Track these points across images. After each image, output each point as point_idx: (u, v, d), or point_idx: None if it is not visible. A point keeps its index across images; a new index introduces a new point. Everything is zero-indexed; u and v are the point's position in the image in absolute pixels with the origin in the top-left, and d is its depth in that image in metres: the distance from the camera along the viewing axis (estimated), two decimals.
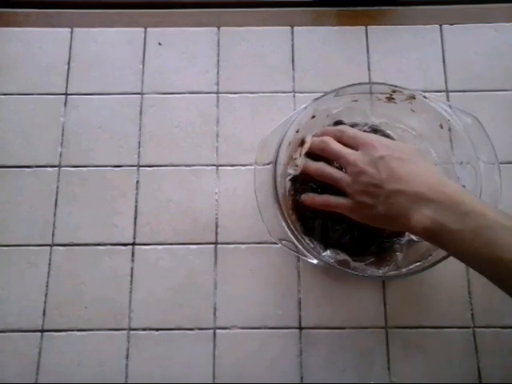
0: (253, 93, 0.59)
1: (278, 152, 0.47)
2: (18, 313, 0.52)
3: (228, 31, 0.62)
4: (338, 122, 0.53)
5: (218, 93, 0.59)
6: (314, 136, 0.48)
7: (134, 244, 0.54)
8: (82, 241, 0.54)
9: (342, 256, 0.48)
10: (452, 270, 0.52)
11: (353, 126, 0.54)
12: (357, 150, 0.43)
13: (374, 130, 0.54)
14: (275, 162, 0.47)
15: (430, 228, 0.37)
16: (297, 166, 0.51)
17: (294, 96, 0.59)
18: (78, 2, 0.64)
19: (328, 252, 0.49)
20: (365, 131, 0.53)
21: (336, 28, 0.62)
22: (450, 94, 0.59)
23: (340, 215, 0.47)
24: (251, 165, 0.56)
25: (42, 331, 0.51)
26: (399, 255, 0.49)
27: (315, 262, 0.46)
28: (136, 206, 0.55)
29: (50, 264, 0.53)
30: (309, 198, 0.47)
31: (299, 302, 0.52)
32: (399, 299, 0.52)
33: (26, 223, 0.54)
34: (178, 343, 0.51)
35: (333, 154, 0.45)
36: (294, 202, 0.52)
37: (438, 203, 0.37)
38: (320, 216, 0.50)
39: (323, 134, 0.47)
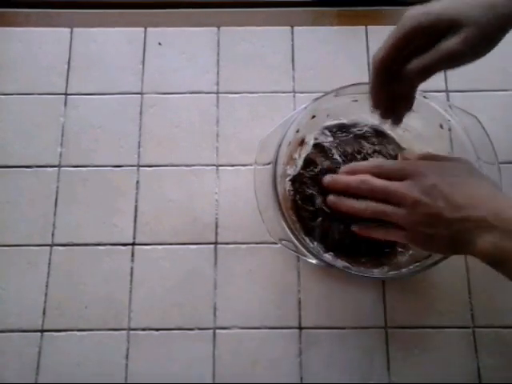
0: (253, 93, 0.59)
1: (277, 152, 0.48)
2: (18, 313, 0.52)
3: (228, 31, 0.62)
4: (341, 125, 0.53)
5: (218, 93, 0.59)
6: (340, 173, 0.46)
7: (134, 244, 0.54)
8: (82, 241, 0.54)
9: (342, 263, 0.48)
10: (452, 269, 0.52)
11: (353, 125, 0.54)
12: (402, 180, 0.41)
13: (375, 131, 0.54)
14: (275, 162, 0.47)
15: (494, 255, 0.36)
16: (296, 166, 0.51)
17: (294, 96, 0.59)
18: (78, 2, 0.64)
19: (328, 255, 0.49)
20: (366, 132, 0.53)
21: (336, 28, 0.62)
22: (450, 93, 0.59)
23: (340, 216, 0.47)
24: (251, 165, 0.55)
25: (42, 331, 0.51)
26: (400, 257, 0.49)
27: (315, 261, 0.46)
28: (136, 206, 0.55)
29: (49, 264, 0.53)
30: (376, 233, 0.45)
31: (299, 302, 0.52)
32: (399, 299, 0.52)
33: (25, 223, 0.54)
34: (177, 343, 0.51)
35: (382, 191, 0.41)
36: (293, 202, 0.52)
37: (502, 230, 0.36)
38: (319, 217, 0.50)
39: (354, 171, 0.44)
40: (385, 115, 0.45)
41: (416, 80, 0.40)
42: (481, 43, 0.36)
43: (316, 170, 0.51)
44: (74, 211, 0.55)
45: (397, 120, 0.45)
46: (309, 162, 0.52)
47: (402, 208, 0.40)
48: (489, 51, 0.38)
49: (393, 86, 0.41)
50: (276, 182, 0.47)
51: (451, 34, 0.36)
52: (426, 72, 0.39)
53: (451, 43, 0.36)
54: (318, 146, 0.53)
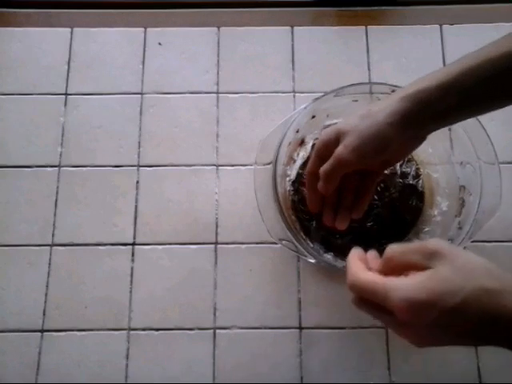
0: (253, 93, 0.59)
1: (277, 152, 0.48)
2: (18, 313, 0.52)
3: (228, 31, 0.62)
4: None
5: (218, 93, 0.59)
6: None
7: (134, 244, 0.54)
8: (82, 241, 0.54)
9: (342, 263, 0.48)
10: None
11: None
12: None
13: None
14: (275, 162, 0.47)
15: None
16: (296, 166, 0.51)
17: (294, 96, 0.59)
18: (78, 2, 0.64)
19: (328, 255, 0.49)
20: None
21: (336, 28, 0.62)
22: None
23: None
24: (251, 165, 0.55)
25: (42, 331, 0.51)
26: None
27: (315, 261, 0.46)
28: (136, 206, 0.55)
29: (49, 264, 0.53)
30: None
31: (299, 302, 0.52)
32: None
33: (25, 223, 0.54)
34: (178, 343, 0.51)
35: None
36: (293, 202, 0.52)
37: None
38: (316, 219, 0.50)
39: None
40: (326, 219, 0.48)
41: (328, 182, 0.43)
42: (360, 147, 0.40)
43: None
44: (74, 211, 0.55)
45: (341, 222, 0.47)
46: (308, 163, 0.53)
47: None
48: (379, 153, 0.41)
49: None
50: (276, 182, 0.47)
51: (340, 142, 0.41)
52: (330, 175, 0.42)
53: (337, 149, 0.41)
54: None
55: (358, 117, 0.41)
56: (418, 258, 0.30)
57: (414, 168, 0.53)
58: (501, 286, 0.27)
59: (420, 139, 0.42)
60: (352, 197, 0.47)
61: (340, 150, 0.41)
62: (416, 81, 0.40)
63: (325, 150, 0.43)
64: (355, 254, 0.36)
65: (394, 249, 0.33)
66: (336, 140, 0.42)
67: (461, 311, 0.27)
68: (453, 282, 0.27)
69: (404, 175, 0.53)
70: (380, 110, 0.40)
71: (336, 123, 0.53)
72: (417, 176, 0.53)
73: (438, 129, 0.42)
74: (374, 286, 0.31)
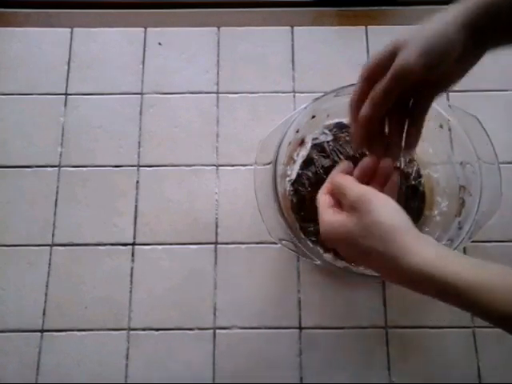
0: (253, 93, 0.59)
1: (277, 152, 0.47)
2: (18, 313, 0.52)
3: (228, 31, 0.62)
4: (341, 125, 0.53)
5: (218, 93, 0.59)
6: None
7: (134, 244, 0.54)
8: (82, 241, 0.54)
9: (342, 263, 0.48)
10: None
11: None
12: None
13: None
14: (275, 162, 0.47)
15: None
16: (296, 166, 0.51)
17: (294, 96, 0.59)
18: (78, 2, 0.64)
19: (328, 255, 0.49)
20: None
21: (336, 28, 0.62)
22: (450, 93, 0.59)
23: None
24: (251, 165, 0.55)
25: (42, 331, 0.51)
26: None
27: (315, 261, 0.46)
28: (136, 206, 0.55)
29: (49, 264, 0.53)
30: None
31: (299, 302, 0.52)
32: (399, 299, 0.52)
33: (25, 223, 0.54)
34: (178, 343, 0.51)
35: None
36: (293, 202, 0.52)
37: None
38: (313, 220, 0.50)
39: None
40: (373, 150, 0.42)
41: (382, 104, 0.38)
42: (427, 49, 0.36)
43: (314, 170, 0.51)
44: (73, 211, 0.55)
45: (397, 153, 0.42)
46: (308, 163, 0.53)
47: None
48: (445, 58, 0.36)
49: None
50: (276, 182, 0.47)
51: (399, 54, 0.37)
52: (387, 93, 0.38)
53: (399, 58, 0.37)
54: (317, 146, 0.53)
55: (418, 26, 0.36)
56: (345, 201, 0.37)
57: (415, 169, 0.53)
58: (384, 249, 0.33)
59: (478, 56, 0.39)
60: (400, 128, 0.41)
61: (404, 56, 0.36)
62: None
63: (377, 68, 0.38)
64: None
65: (333, 183, 0.39)
66: (392, 55, 0.37)
67: (353, 248, 0.35)
68: (353, 236, 0.35)
69: (406, 176, 0.53)
70: (446, 14, 0.36)
71: (337, 123, 0.53)
72: (418, 177, 0.53)
73: (498, 47, 0.38)
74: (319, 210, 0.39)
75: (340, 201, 0.38)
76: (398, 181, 0.41)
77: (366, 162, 0.41)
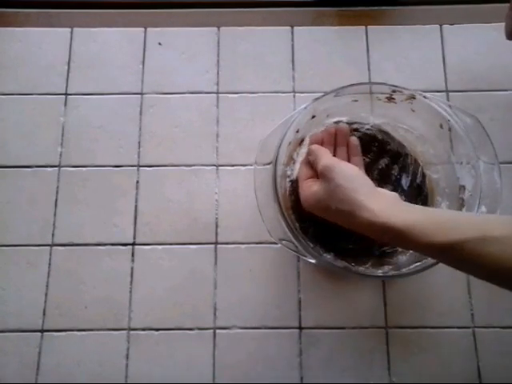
0: (253, 93, 0.59)
1: (277, 152, 0.47)
2: (18, 313, 0.52)
3: (228, 31, 0.62)
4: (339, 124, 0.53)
5: (218, 93, 0.59)
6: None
7: (134, 244, 0.54)
8: (82, 241, 0.54)
9: (342, 263, 0.48)
10: (452, 269, 0.52)
11: (353, 124, 0.54)
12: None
13: (379, 131, 0.54)
14: (275, 162, 0.47)
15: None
16: (295, 166, 0.51)
17: (294, 96, 0.59)
18: (78, 2, 0.64)
19: (328, 255, 0.49)
20: (368, 130, 0.53)
21: (336, 28, 0.62)
22: (450, 93, 0.59)
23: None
24: (251, 165, 0.56)
25: (42, 331, 0.51)
26: (401, 257, 0.49)
27: (315, 261, 0.46)
28: (136, 206, 0.55)
29: (50, 264, 0.53)
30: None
31: (299, 302, 0.52)
32: (399, 299, 0.52)
33: (25, 223, 0.55)
34: (178, 343, 0.51)
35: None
36: (293, 202, 0.52)
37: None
38: (314, 220, 0.50)
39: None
40: None
41: None
42: None
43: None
44: (74, 211, 0.55)
45: None
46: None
47: None
48: None
49: None
50: (276, 182, 0.47)
51: None
52: None
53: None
54: None
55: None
56: (317, 169, 0.43)
57: (420, 169, 0.53)
58: (346, 208, 0.40)
59: None
60: None
61: None
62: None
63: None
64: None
65: (310, 152, 0.46)
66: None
67: (324, 210, 0.42)
68: (323, 201, 0.42)
69: (412, 176, 0.53)
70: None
71: (340, 121, 0.53)
72: (423, 177, 0.53)
73: None
74: (299, 180, 0.47)
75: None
76: (356, 143, 0.50)
77: (325, 129, 0.50)
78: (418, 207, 0.39)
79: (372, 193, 0.40)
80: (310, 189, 0.44)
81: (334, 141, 0.49)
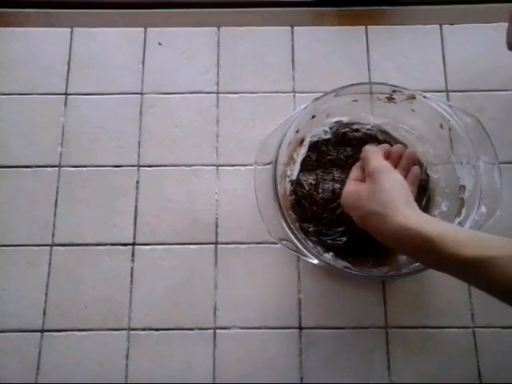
0: (253, 93, 0.59)
1: (278, 152, 0.48)
2: (18, 313, 0.52)
3: (228, 31, 0.62)
4: (341, 124, 0.53)
5: (218, 93, 0.59)
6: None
7: (134, 244, 0.54)
8: (82, 241, 0.54)
9: (342, 263, 0.48)
10: None
11: (353, 125, 0.54)
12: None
13: (380, 132, 0.54)
14: (275, 162, 0.47)
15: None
16: (295, 166, 0.51)
17: (294, 96, 0.59)
18: (78, 2, 0.64)
19: (328, 255, 0.49)
20: (368, 130, 0.53)
21: (336, 28, 0.62)
22: (450, 93, 0.59)
23: (335, 220, 0.48)
24: (251, 165, 0.56)
25: (42, 331, 0.51)
26: (400, 257, 0.49)
27: (315, 261, 0.46)
28: (136, 206, 0.55)
29: (50, 264, 0.53)
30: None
31: (299, 302, 0.52)
32: (399, 299, 0.52)
33: (25, 223, 0.55)
34: (178, 343, 0.51)
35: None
36: (293, 202, 0.52)
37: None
38: (313, 220, 0.50)
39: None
40: None
41: None
42: None
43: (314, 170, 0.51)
44: (74, 211, 0.55)
45: None
46: (307, 162, 0.53)
47: None
48: None
49: None
50: (276, 182, 0.47)
51: None
52: None
53: None
54: (316, 146, 0.53)
55: None
56: (366, 170, 0.45)
57: (424, 169, 0.53)
58: (382, 211, 0.40)
59: None
60: None
61: None
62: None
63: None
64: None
65: (363, 151, 0.47)
66: None
67: (359, 210, 0.43)
68: (362, 200, 0.43)
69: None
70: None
71: (340, 121, 0.53)
72: (426, 177, 0.53)
73: None
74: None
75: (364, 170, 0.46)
76: (418, 173, 0.49)
77: (397, 146, 0.50)
78: (448, 223, 0.40)
79: (411, 204, 0.41)
80: (355, 186, 0.45)
81: (398, 160, 0.49)
